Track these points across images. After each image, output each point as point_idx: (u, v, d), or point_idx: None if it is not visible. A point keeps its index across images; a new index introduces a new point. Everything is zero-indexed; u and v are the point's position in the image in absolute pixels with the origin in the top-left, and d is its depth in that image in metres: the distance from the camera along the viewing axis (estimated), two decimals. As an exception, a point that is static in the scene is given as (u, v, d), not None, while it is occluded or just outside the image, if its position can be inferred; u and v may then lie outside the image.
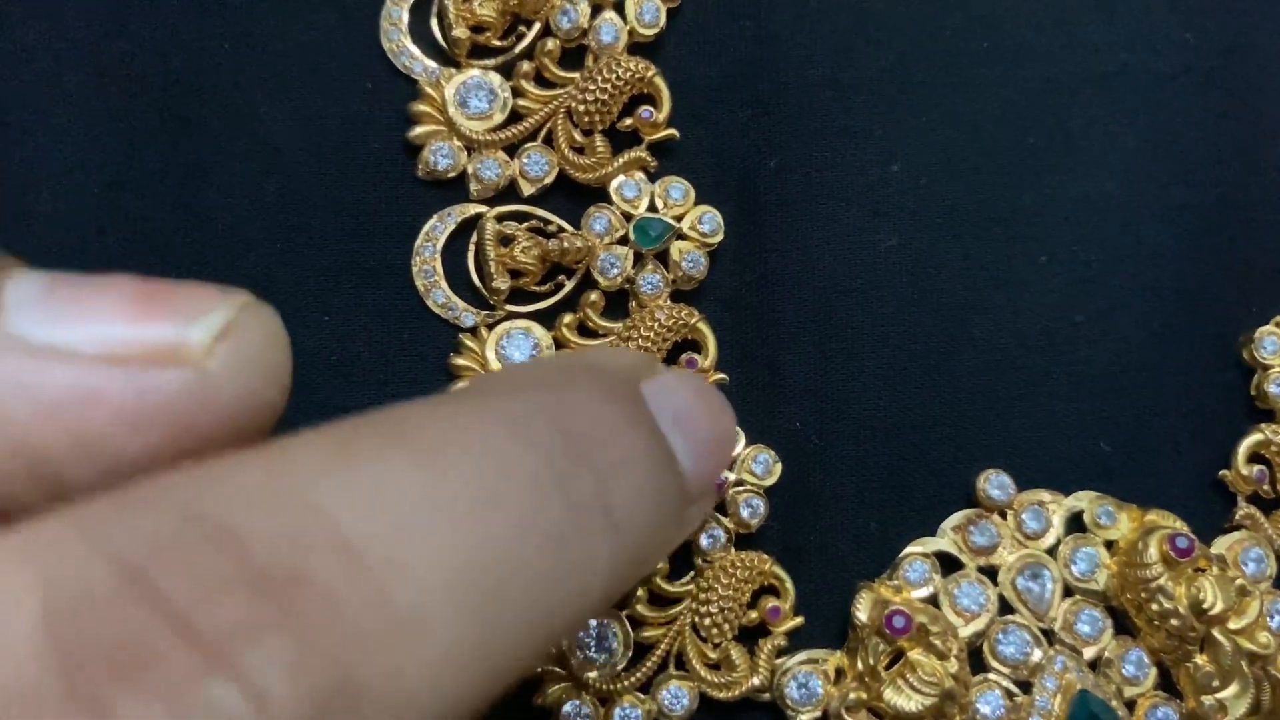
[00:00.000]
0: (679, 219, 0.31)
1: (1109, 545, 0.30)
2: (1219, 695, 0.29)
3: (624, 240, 0.30)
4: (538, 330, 0.30)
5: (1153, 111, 0.33)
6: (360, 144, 0.31)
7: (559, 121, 0.31)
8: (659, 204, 0.31)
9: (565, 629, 0.19)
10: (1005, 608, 0.30)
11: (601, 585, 0.19)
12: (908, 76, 0.32)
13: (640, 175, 0.31)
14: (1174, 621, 0.29)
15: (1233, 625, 0.29)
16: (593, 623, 0.29)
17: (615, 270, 0.30)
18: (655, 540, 0.22)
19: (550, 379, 0.21)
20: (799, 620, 0.29)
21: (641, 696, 0.28)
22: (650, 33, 0.31)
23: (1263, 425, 0.32)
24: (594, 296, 0.30)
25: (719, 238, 0.31)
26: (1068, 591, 0.30)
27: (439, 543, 0.17)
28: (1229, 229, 0.33)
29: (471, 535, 0.17)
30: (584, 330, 0.30)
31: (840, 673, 0.29)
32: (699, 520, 0.26)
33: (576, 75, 0.31)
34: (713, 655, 0.29)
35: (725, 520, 0.29)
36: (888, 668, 0.28)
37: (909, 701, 0.27)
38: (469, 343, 0.30)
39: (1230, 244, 0.33)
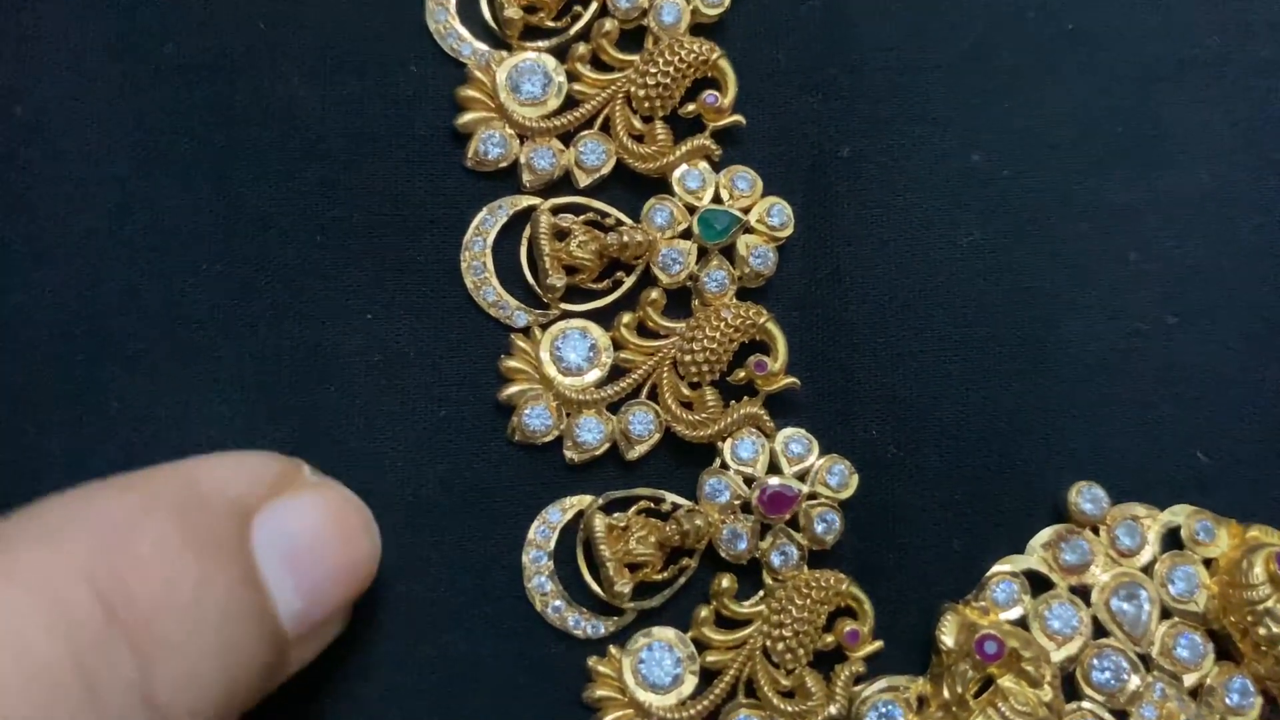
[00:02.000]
0: (746, 211, 0.29)
1: (1208, 563, 0.28)
2: (1330, 726, 0.27)
3: (687, 234, 0.28)
4: (595, 330, 0.28)
5: (1248, 99, 0.31)
6: (405, 131, 0.29)
7: (617, 107, 0.29)
8: (724, 195, 0.29)
9: None
10: (1099, 630, 0.27)
11: None
12: (988, 61, 0.30)
13: (704, 164, 0.29)
14: (1283, 647, 0.27)
15: (1345, 651, 0.27)
16: (660, 644, 0.27)
17: (678, 266, 0.28)
18: (229, 705, 0.20)
19: (112, 525, 0.19)
20: (878, 644, 0.27)
21: (710, 727, 0.26)
22: (714, 12, 0.29)
23: (1370, 434, 0.29)
24: (655, 294, 0.28)
25: (789, 231, 0.29)
26: (1165, 613, 0.28)
27: None
28: (1330, 225, 0.31)
29: None
30: (644, 330, 0.28)
31: (923, 701, 0.27)
32: (317, 650, 0.24)
33: (636, 58, 0.29)
34: (786, 682, 0.27)
35: (798, 536, 0.27)
36: (976, 695, 0.26)
37: (1001, 733, 0.25)
38: (521, 343, 0.28)
39: (1331, 241, 0.31)
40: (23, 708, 0.17)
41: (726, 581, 0.27)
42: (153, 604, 0.19)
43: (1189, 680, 0.27)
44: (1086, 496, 0.28)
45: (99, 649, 0.18)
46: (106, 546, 0.19)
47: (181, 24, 0.29)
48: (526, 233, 0.28)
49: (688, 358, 0.28)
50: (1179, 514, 0.28)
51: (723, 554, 0.27)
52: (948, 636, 0.26)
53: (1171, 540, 0.28)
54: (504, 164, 0.28)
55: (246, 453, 0.24)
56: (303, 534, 0.23)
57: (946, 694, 0.26)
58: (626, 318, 0.28)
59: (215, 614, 0.20)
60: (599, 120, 0.29)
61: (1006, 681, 0.26)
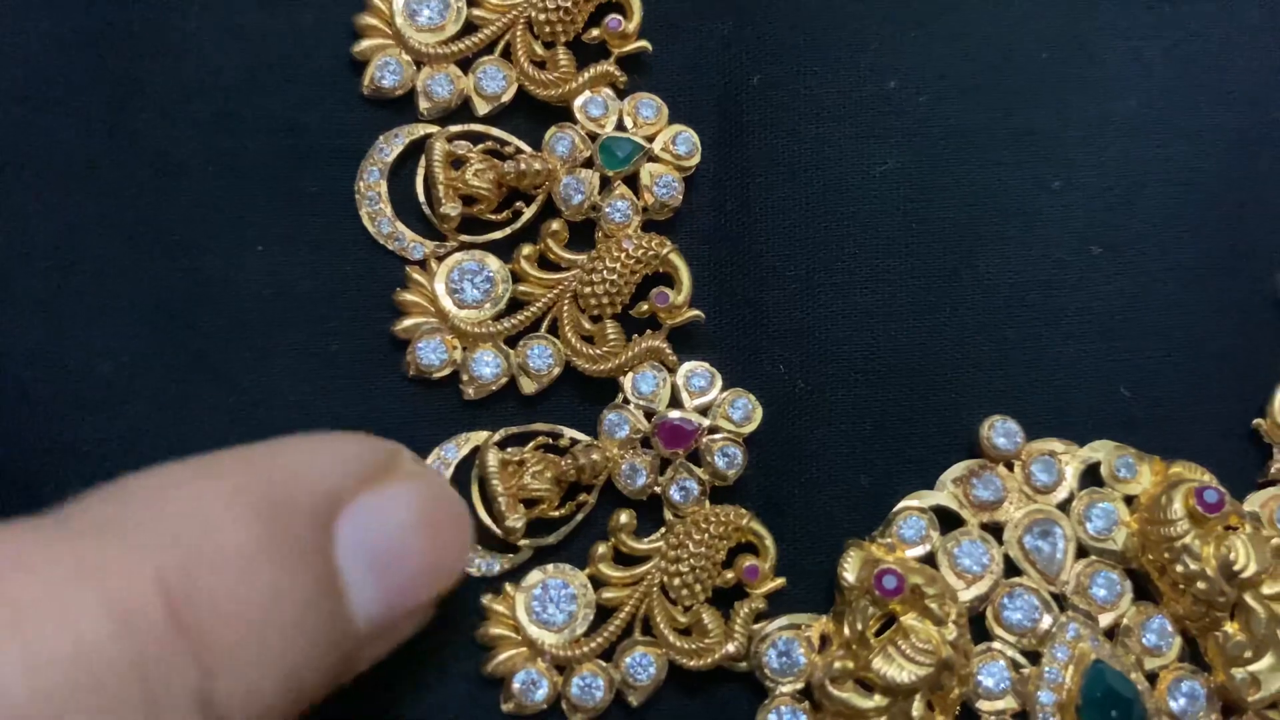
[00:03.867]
0: (650, 139, 0.28)
1: (1129, 501, 0.27)
2: (1251, 668, 0.26)
3: (589, 163, 0.28)
4: (493, 263, 0.27)
5: (1181, 24, 0.30)
6: (302, 60, 0.28)
7: (518, 33, 0.28)
8: (628, 123, 0.28)
9: None
10: (1011, 569, 0.27)
11: None
12: (907, -16, 0.29)
13: (608, 92, 0.28)
14: (1201, 585, 0.26)
15: (1267, 590, 0.26)
16: (554, 582, 0.26)
17: (579, 196, 0.27)
18: (292, 710, 0.20)
19: (199, 518, 0.18)
20: (780, 581, 0.26)
21: (603, 665, 0.25)
22: (619, -65, 0.28)
23: (1303, 369, 0.28)
24: (556, 226, 0.27)
25: (695, 160, 0.28)
26: (1082, 552, 0.27)
27: None
28: (1266, 152, 0.29)
29: None
30: (545, 262, 0.28)
31: (825, 640, 0.26)
32: (393, 645, 0.23)
33: (538, -18, 0.28)
34: (683, 619, 0.26)
35: (699, 471, 0.26)
36: (878, 634, 0.25)
37: (901, 672, 0.24)
38: (417, 276, 0.27)
39: (1268, 169, 0.29)
40: (80, 711, 0.16)
41: (625, 517, 0.26)
42: (222, 611, 0.18)
43: (1105, 620, 0.26)
44: (1000, 431, 0.27)
45: (161, 656, 0.17)
46: (179, 545, 0.18)
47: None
48: (423, 162, 0.27)
49: (588, 290, 0.27)
50: (1100, 450, 0.27)
51: (622, 490, 0.26)
52: (849, 572, 0.26)
53: (1092, 477, 0.27)
54: (401, 92, 0.28)
55: (343, 437, 0.23)
56: (390, 534, 0.21)
57: (847, 631, 0.25)
58: (526, 250, 0.27)
59: (287, 625, 0.19)
60: (500, 46, 0.28)
61: (909, 619, 0.25)
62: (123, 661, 0.17)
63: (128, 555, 0.18)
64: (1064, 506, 0.27)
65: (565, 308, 0.27)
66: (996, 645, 0.26)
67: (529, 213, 0.28)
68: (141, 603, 0.17)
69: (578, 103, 0.28)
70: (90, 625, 0.17)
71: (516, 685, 0.25)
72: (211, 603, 0.18)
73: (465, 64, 0.28)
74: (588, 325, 0.27)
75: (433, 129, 0.28)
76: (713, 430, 0.27)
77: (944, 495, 0.27)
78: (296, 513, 0.20)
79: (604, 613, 0.26)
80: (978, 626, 0.26)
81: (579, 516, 0.26)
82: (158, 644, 0.17)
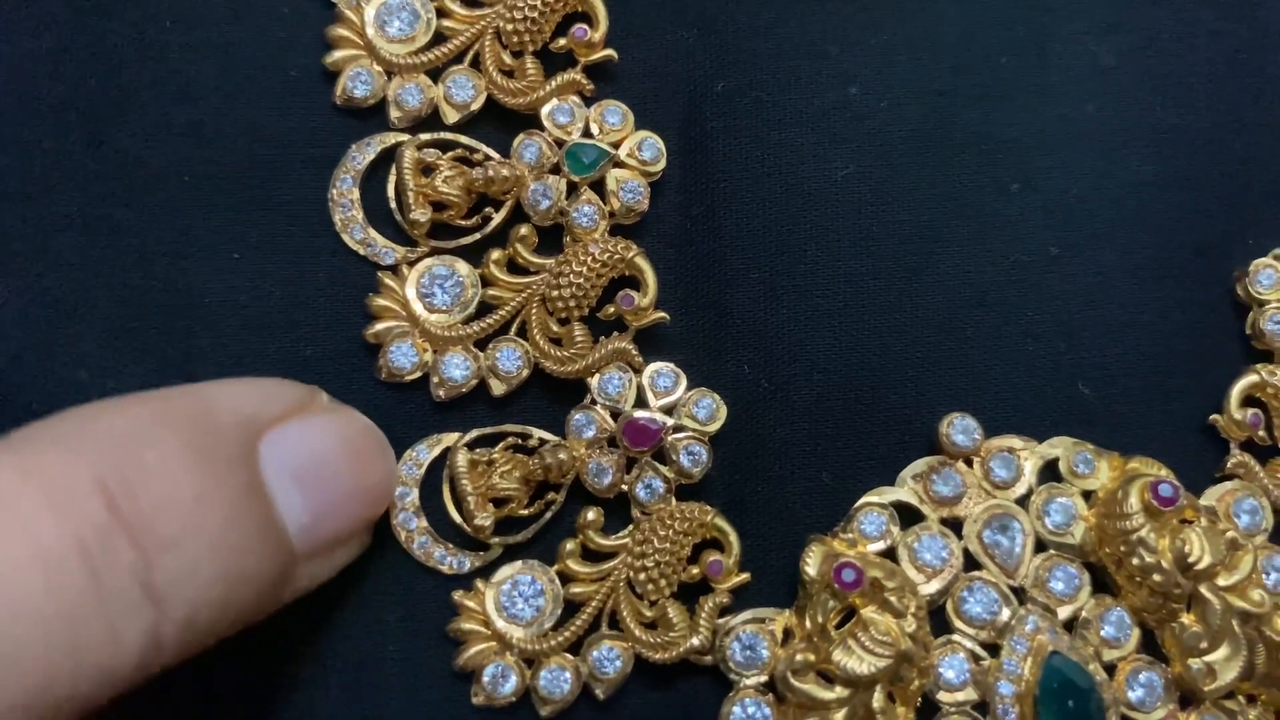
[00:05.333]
0: (616, 145, 0.28)
1: (1087, 496, 0.28)
2: (1207, 658, 0.26)
3: (556, 169, 0.28)
4: (462, 267, 0.28)
5: (1137, 28, 0.30)
6: (276, 72, 0.29)
7: (487, 43, 0.29)
8: (594, 129, 0.28)
9: (86, 702, 0.19)
10: (971, 563, 0.27)
11: (133, 661, 0.19)
12: (868, -9, 0.30)
13: (575, 99, 0.29)
14: (1157, 577, 0.26)
15: (1222, 582, 0.27)
16: (523, 578, 0.27)
17: (547, 202, 0.28)
18: (229, 610, 0.21)
19: (122, 433, 0.20)
20: (745, 577, 0.27)
21: (570, 658, 0.26)
22: (585, -53, 0.29)
23: (1258, 366, 0.29)
24: (524, 231, 0.28)
25: (660, 166, 0.28)
26: (1040, 546, 0.27)
27: None
28: (1221, 153, 0.30)
29: None
30: (514, 266, 0.28)
31: (789, 633, 0.26)
32: (331, 571, 0.25)
33: (506, -6, 0.29)
34: (649, 613, 0.26)
35: (664, 469, 0.27)
36: (839, 627, 0.26)
37: (860, 664, 0.25)
38: (389, 281, 0.28)
39: (1223, 169, 0.30)
40: (31, 586, 0.18)
41: (592, 514, 0.27)
42: (155, 506, 0.20)
43: (1064, 613, 0.27)
44: (958, 428, 0.28)
45: (102, 538, 0.19)
46: (115, 453, 0.20)
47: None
48: (394, 170, 0.28)
49: (555, 293, 0.28)
50: (1058, 446, 0.28)
51: (590, 488, 0.27)
52: (811, 567, 0.26)
53: (1050, 473, 0.28)
54: (372, 101, 0.28)
55: (264, 379, 0.25)
56: (313, 454, 0.23)
57: (809, 625, 0.26)
58: (496, 254, 0.28)
59: (216, 519, 0.21)
60: (469, 56, 0.29)
61: (869, 612, 0.26)
62: (65, 542, 0.19)
63: (66, 459, 0.20)
64: (1023, 502, 0.28)
65: (534, 311, 0.28)
66: (956, 638, 0.27)
67: (498, 218, 0.28)
68: (81, 495, 0.19)
69: (545, 110, 0.28)
70: (33, 512, 0.19)
71: (486, 678, 0.26)
72: (145, 498, 0.20)
73: (435, 74, 0.29)
74: (556, 328, 0.28)
75: (403, 137, 0.28)
76: (678, 429, 0.27)
77: (904, 491, 0.27)
78: (219, 430, 0.22)
79: (572, 608, 0.27)
80: (938, 619, 0.27)
81: (548, 515, 0.27)
82: (96, 529, 0.19)
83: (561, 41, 0.29)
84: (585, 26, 0.29)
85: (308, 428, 0.23)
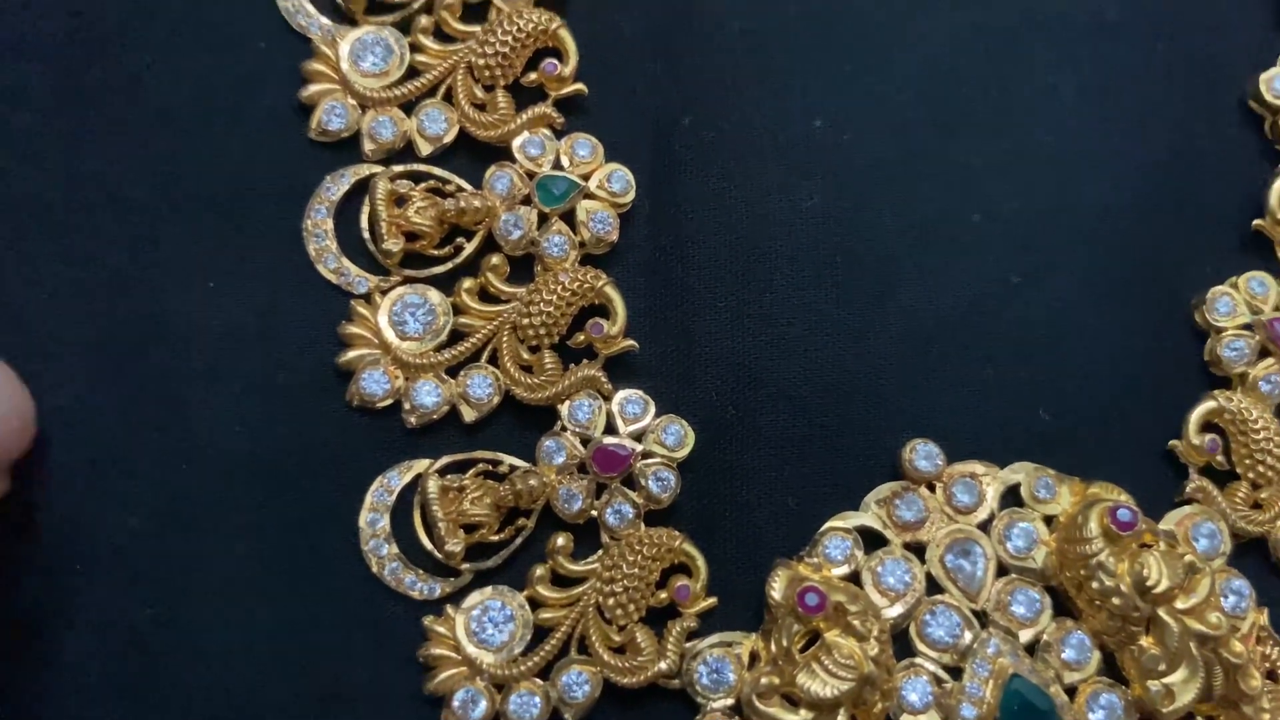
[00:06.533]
0: (586, 178, 0.29)
1: (1048, 521, 0.28)
2: (1166, 680, 0.27)
3: (527, 200, 0.29)
4: (434, 295, 0.28)
5: (1094, 60, 0.31)
6: (251, 104, 0.29)
7: (459, 77, 0.29)
8: (565, 162, 0.29)
9: None
10: (934, 587, 0.27)
11: None
12: (832, 27, 0.31)
13: (546, 132, 0.29)
14: (1116, 601, 0.27)
15: (1181, 605, 0.27)
16: (493, 603, 0.27)
17: (518, 232, 0.28)
18: None
19: None
20: (712, 601, 0.27)
21: (540, 683, 0.26)
22: (556, -16, 0.30)
23: (1216, 392, 0.29)
24: (496, 260, 0.28)
25: (629, 197, 0.29)
26: (1002, 570, 0.28)
27: None
28: (1179, 182, 0.31)
29: None
30: (485, 295, 0.29)
31: (755, 656, 0.27)
32: None
33: (478, 29, 0.29)
34: (617, 638, 0.27)
35: (633, 494, 0.27)
36: (804, 650, 0.26)
37: (824, 687, 0.25)
38: (361, 310, 0.28)
39: (1180, 198, 0.31)
40: None
41: (562, 540, 0.27)
42: None
43: (1025, 636, 0.27)
44: (921, 454, 0.28)
45: None
46: None
47: (39, 4, 0.29)
48: (367, 201, 0.29)
49: (526, 321, 0.28)
50: (1019, 471, 0.28)
51: (560, 514, 0.27)
52: (776, 591, 0.26)
53: (1012, 498, 0.28)
54: (346, 134, 0.29)
55: None
56: None
57: (774, 648, 0.26)
58: (467, 283, 0.28)
59: None
60: (441, 90, 0.29)
61: (833, 636, 0.26)
62: None
63: None
64: (985, 526, 0.28)
65: (505, 339, 0.28)
66: (919, 660, 0.27)
67: (470, 248, 0.29)
68: None
69: (516, 143, 0.29)
70: None
71: (456, 703, 0.26)
72: None
73: (408, 107, 0.29)
74: (526, 355, 0.28)
75: (377, 169, 0.29)
76: (646, 455, 0.28)
77: (868, 516, 0.28)
78: None
79: (541, 633, 0.27)
80: (901, 643, 0.27)
81: (518, 540, 0.27)
82: None
83: (532, 76, 0.29)
84: (555, 61, 0.29)
85: None
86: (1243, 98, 0.31)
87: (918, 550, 0.28)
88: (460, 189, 0.29)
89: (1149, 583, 0.27)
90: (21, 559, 0.26)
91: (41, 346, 0.27)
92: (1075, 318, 0.30)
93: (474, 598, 0.27)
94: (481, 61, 0.29)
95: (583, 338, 0.28)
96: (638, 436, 0.28)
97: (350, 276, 0.28)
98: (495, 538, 0.27)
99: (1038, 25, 0.31)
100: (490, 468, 0.28)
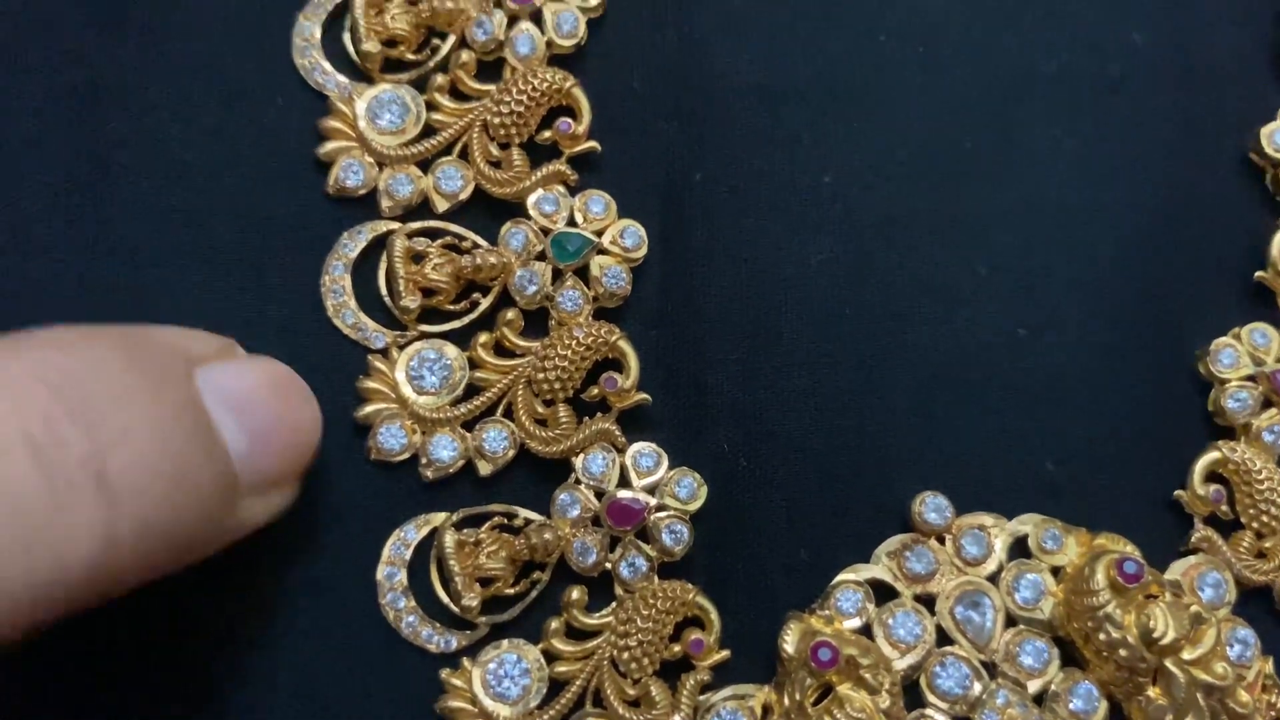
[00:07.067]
0: (599, 234, 0.29)
1: (1055, 572, 0.29)
2: (1173, 730, 0.27)
3: (542, 256, 0.29)
4: (450, 350, 0.29)
5: (1097, 114, 0.32)
6: (270, 161, 0.30)
7: (475, 135, 0.30)
8: (579, 218, 0.30)
9: (44, 600, 0.19)
10: (944, 639, 0.28)
11: (87, 557, 0.19)
12: (840, 83, 0.31)
13: (560, 189, 0.30)
14: (1123, 652, 0.27)
15: (1187, 655, 0.27)
16: (509, 656, 0.27)
17: (533, 287, 0.29)
18: (181, 518, 0.21)
19: (62, 341, 0.21)
20: (725, 654, 0.27)
21: (556, 736, 0.27)
22: (569, 43, 0.30)
23: (1220, 443, 0.30)
24: (511, 315, 0.29)
25: (642, 252, 0.30)
26: (1011, 621, 0.28)
27: None
28: (1182, 233, 0.31)
29: None
30: (500, 349, 0.29)
31: (768, 709, 0.27)
32: (266, 514, 0.25)
33: (493, 88, 0.30)
34: (632, 691, 0.27)
35: (647, 547, 0.28)
36: (816, 703, 0.26)
37: (837, 740, 0.26)
38: (379, 364, 0.29)
39: (1184, 249, 0.31)
40: None
41: (576, 593, 0.27)
42: (102, 397, 0.20)
43: (1033, 686, 0.28)
44: (930, 506, 0.28)
45: (50, 429, 0.19)
46: (58, 354, 0.20)
47: (56, 60, 0.30)
48: (385, 257, 0.29)
49: (540, 375, 0.28)
50: (1027, 523, 0.29)
51: (574, 567, 0.28)
52: (789, 644, 0.27)
53: (1019, 549, 0.29)
54: (363, 191, 0.29)
55: (187, 328, 0.25)
56: (244, 388, 0.23)
57: (787, 701, 0.27)
58: (483, 337, 0.29)
59: (163, 415, 0.21)
60: (457, 148, 0.30)
61: (845, 689, 0.26)
62: (8, 433, 0.18)
63: (14, 363, 0.20)
64: (993, 578, 0.28)
65: (520, 393, 0.29)
66: (929, 712, 0.27)
67: (485, 303, 0.29)
68: (24, 390, 0.19)
69: (531, 200, 0.30)
70: None
71: (474, 756, 0.26)
72: (93, 391, 0.20)
73: (425, 164, 0.30)
74: (541, 409, 0.29)
75: (394, 225, 0.29)
76: (660, 508, 0.28)
77: (879, 568, 0.28)
78: (156, 351, 0.22)
79: (557, 685, 0.27)
80: (912, 694, 0.27)
81: (533, 593, 0.28)
82: (45, 420, 0.19)
83: (546, 134, 0.30)
84: (569, 120, 0.30)
85: (236, 366, 0.24)
86: (1243, 151, 0.32)
87: (928, 602, 0.28)
88: (476, 245, 0.29)
89: (1155, 634, 0.27)
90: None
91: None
92: (1081, 369, 0.30)
93: (490, 651, 0.27)
94: (497, 120, 0.30)
95: (596, 391, 0.29)
96: (651, 489, 0.28)
97: (368, 331, 0.29)
98: (511, 591, 0.28)
99: (1042, 80, 0.32)
100: (506, 521, 0.28)
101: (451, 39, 0.30)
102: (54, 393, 0.19)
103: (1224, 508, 0.30)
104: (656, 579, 0.28)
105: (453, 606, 0.27)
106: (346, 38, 0.30)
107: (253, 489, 0.24)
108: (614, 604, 0.28)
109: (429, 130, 0.30)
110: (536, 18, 0.30)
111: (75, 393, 0.19)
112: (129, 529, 0.19)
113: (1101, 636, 0.27)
